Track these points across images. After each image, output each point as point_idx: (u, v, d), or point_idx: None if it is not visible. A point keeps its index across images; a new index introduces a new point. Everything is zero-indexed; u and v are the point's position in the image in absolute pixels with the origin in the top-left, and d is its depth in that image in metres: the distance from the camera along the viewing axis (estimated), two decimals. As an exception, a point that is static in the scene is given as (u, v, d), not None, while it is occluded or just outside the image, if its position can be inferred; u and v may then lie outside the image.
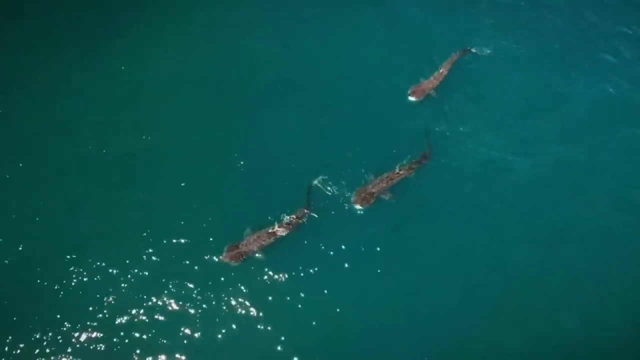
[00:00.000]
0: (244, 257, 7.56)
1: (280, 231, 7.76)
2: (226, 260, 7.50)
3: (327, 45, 10.45)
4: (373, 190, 8.24)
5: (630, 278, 7.92)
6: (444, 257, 7.98)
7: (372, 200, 8.17)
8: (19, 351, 6.91)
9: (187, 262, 7.64)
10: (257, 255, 7.63)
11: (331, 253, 7.82)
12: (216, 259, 7.57)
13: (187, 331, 7.15)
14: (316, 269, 7.65)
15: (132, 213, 8.16)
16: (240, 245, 7.61)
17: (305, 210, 8.06)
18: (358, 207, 8.15)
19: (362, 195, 8.18)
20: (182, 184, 8.45)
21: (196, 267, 7.60)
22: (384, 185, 8.32)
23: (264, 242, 7.68)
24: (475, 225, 8.31)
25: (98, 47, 10.05)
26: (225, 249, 7.59)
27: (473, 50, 10.36)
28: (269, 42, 10.38)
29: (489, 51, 10.37)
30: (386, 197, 8.29)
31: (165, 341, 7.06)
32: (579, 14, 11.15)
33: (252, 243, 7.64)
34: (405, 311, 7.54)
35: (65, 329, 7.08)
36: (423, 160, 8.78)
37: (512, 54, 10.46)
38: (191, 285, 7.46)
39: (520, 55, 10.47)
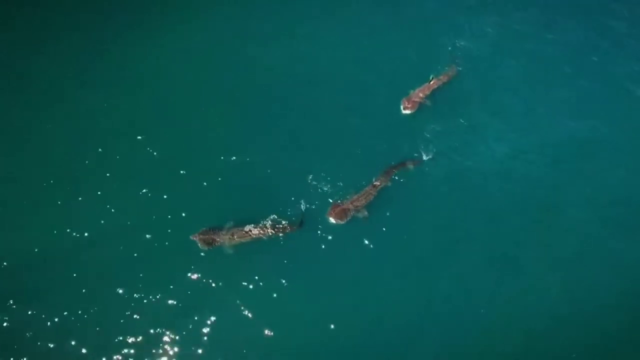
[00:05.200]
0: (215, 245, 7.76)
1: (256, 233, 7.89)
2: (195, 239, 7.72)
3: (324, 51, 10.59)
4: (348, 207, 8.20)
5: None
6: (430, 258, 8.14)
7: (347, 218, 8.13)
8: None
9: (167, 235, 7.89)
10: (227, 248, 7.81)
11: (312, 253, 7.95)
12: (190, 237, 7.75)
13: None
14: (302, 270, 7.81)
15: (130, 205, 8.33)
16: (215, 233, 7.81)
17: (284, 222, 8.06)
18: (332, 221, 8.15)
19: (337, 210, 8.15)
20: (181, 172, 8.62)
21: (169, 242, 7.84)
22: (362, 202, 8.30)
23: (239, 239, 7.83)
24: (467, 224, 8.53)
25: (99, 49, 10.09)
26: (200, 230, 7.79)
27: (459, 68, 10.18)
28: (267, 48, 10.50)
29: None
30: (361, 215, 8.24)
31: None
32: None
33: (227, 235, 7.82)
34: (388, 313, 7.65)
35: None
36: (399, 168, 8.82)
37: (510, 62, 10.65)
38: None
39: (519, 64, 10.67)
